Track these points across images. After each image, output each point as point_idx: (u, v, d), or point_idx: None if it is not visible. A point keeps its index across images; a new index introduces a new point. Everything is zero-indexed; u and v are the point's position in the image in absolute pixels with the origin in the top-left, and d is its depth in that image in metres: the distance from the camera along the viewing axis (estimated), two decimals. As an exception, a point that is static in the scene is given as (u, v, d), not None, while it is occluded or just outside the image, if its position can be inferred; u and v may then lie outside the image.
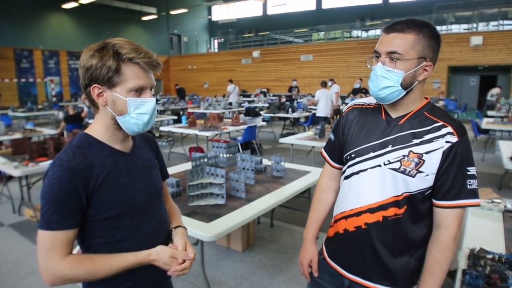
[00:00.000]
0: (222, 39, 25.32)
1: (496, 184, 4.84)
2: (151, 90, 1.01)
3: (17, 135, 5.71)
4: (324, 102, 7.96)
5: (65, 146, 1.01)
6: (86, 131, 1.04)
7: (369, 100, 1.24)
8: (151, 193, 1.08)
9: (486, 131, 7.28)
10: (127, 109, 0.97)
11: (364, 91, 10.28)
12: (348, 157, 1.21)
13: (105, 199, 0.97)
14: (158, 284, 1.15)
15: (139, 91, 0.98)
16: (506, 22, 14.96)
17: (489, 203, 2.20)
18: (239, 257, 3.12)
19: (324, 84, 8.28)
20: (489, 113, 9.47)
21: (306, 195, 3.46)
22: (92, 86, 0.96)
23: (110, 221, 0.99)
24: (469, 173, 1.06)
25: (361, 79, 14.66)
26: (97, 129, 1.03)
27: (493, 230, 1.92)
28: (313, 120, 8.34)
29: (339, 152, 1.29)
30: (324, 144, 1.44)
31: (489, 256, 1.54)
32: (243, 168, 3.06)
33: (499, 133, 8.01)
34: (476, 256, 1.54)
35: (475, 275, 1.36)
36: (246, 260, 3.06)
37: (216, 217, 2.17)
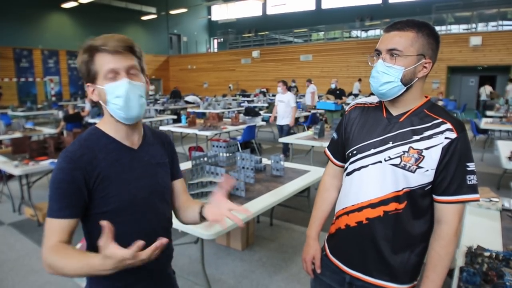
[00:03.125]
0: (222, 39, 25.33)
1: (495, 183, 4.86)
2: (129, 72, 0.98)
3: (17, 134, 5.72)
4: (283, 107, 6.63)
5: (76, 138, 1.04)
6: (97, 125, 1.07)
7: (371, 99, 1.28)
8: (154, 191, 1.08)
9: (485, 131, 7.30)
10: (106, 97, 0.99)
11: (339, 92, 8.97)
12: (350, 154, 1.23)
13: (106, 193, 0.99)
14: (160, 281, 1.15)
15: (113, 76, 0.97)
16: (505, 22, 15.01)
17: (487, 202, 2.22)
18: (238, 255, 3.13)
19: (285, 85, 6.70)
20: (488, 113, 9.51)
21: (306, 194, 3.48)
22: (86, 85, 1.02)
23: (109, 215, 0.98)
24: (468, 169, 1.09)
25: (360, 79, 14.71)
26: (105, 123, 1.06)
27: (490, 228, 1.93)
28: (280, 129, 6.85)
29: (342, 150, 1.31)
30: (323, 143, 1.46)
31: (487, 254, 1.55)
32: (243, 167, 3.08)
33: (497, 133, 8.05)
34: (473, 254, 1.56)
35: (472, 273, 1.38)
36: (245, 259, 3.08)
37: (216, 215, 2.18)
